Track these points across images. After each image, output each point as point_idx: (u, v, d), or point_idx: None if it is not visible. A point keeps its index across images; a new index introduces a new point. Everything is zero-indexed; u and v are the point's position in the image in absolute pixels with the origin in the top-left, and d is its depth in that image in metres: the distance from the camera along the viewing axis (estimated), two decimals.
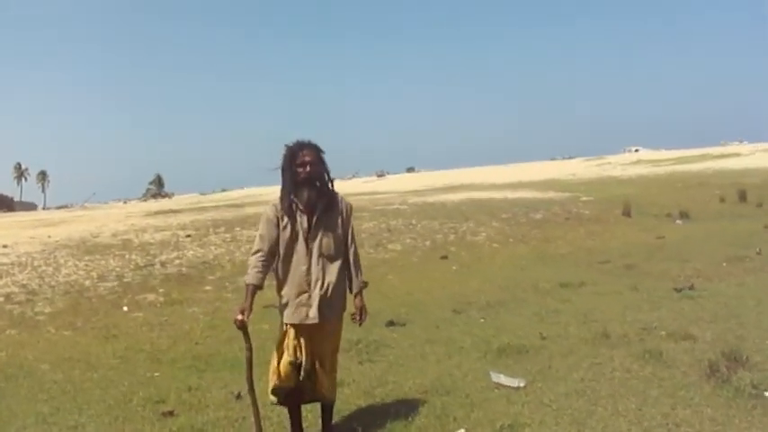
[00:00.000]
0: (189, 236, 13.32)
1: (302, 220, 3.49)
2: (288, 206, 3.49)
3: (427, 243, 11.95)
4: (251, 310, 3.51)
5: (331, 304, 3.54)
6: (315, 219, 3.49)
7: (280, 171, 3.56)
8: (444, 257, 10.41)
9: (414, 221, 14.08)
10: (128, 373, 5.23)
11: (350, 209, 3.70)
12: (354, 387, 4.58)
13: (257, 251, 3.52)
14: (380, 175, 65.57)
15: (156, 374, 5.18)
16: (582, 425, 3.80)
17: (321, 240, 3.50)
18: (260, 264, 3.49)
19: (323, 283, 3.49)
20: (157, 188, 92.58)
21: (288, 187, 3.50)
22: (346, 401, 4.26)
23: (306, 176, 3.46)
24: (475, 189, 25.08)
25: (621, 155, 57.53)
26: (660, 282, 8.08)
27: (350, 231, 3.66)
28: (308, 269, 3.50)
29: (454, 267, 9.84)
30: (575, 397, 4.23)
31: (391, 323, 6.41)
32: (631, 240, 11.88)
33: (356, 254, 3.70)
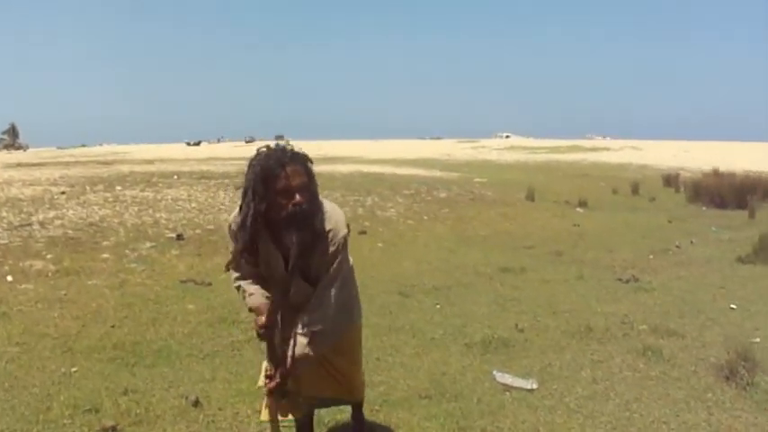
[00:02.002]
0: (63, 193, 12.39)
1: (276, 263, 2.69)
2: (252, 248, 2.64)
3: None
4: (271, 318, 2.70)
5: (323, 340, 2.72)
6: (291, 263, 2.65)
7: (242, 193, 2.61)
8: (363, 233, 10.01)
9: None
10: (35, 368, 4.27)
11: (342, 235, 2.72)
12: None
13: (238, 276, 2.85)
14: (249, 141, 66.30)
15: (74, 370, 4.27)
16: None
17: (297, 288, 2.72)
18: (251, 286, 2.80)
19: (294, 343, 2.66)
20: (11, 139, 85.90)
21: (255, 223, 2.55)
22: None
23: (295, 214, 2.51)
24: (357, 162, 25.03)
25: (493, 139, 60.11)
26: (600, 271, 8.16)
27: (336, 263, 2.70)
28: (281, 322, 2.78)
29: (380, 245, 9.45)
30: (600, 400, 4.03)
31: None
32: (549, 226, 12.10)
33: (332, 291, 2.70)
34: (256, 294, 2.74)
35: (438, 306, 6.19)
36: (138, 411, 3.62)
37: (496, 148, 44.13)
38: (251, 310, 2.75)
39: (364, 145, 45.39)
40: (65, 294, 6.14)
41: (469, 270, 7.87)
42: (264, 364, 2.88)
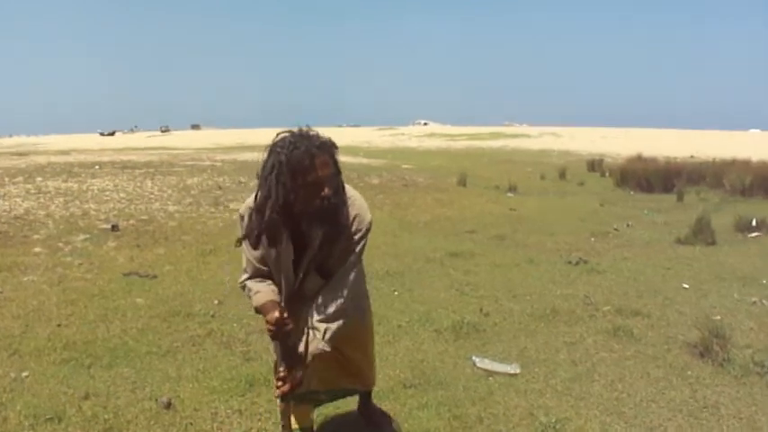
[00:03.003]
0: None
1: (287, 256, 2.55)
2: (273, 237, 2.49)
3: None
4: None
5: (338, 331, 2.60)
6: (309, 256, 2.54)
7: (262, 180, 2.45)
8: None
9: (242, 179, 13.28)
10: None
11: (369, 221, 2.61)
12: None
13: (246, 278, 2.67)
14: (165, 131, 66.84)
15: (25, 374, 3.93)
16: (620, 414, 3.63)
17: (309, 282, 2.62)
18: (257, 284, 2.62)
19: (308, 338, 2.55)
20: None
21: (273, 214, 2.41)
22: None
23: (323, 208, 2.40)
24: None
25: (412, 127, 60.77)
26: (547, 254, 8.31)
27: (358, 249, 2.60)
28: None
29: None
30: (585, 382, 4.10)
31: None
32: (486, 211, 12.26)
33: (348, 285, 2.58)
34: (263, 292, 2.56)
35: (396, 293, 6.13)
36: (105, 417, 3.36)
37: (416, 135, 44.64)
38: (257, 310, 2.56)
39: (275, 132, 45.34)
40: (0, 293, 5.69)
41: (419, 255, 7.84)
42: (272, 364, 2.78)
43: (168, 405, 3.47)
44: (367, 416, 3.32)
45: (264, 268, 2.59)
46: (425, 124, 67.11)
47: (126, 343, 4.49)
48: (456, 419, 3.45)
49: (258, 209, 2.44)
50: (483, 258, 7.91)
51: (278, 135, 2.44)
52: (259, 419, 3.40)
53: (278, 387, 2.51)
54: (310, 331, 2.51)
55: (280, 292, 2.58)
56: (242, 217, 2.57)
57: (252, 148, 27.38)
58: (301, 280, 2.59)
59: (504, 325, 5.19)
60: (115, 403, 3.55)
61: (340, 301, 2.53)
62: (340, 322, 2.53)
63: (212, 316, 5.17)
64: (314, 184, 2.35)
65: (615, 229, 10.63)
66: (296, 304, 2.58)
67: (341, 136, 44.11)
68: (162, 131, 66.64)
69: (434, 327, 5.01)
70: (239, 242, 2.61)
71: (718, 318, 5.40)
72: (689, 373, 4.24)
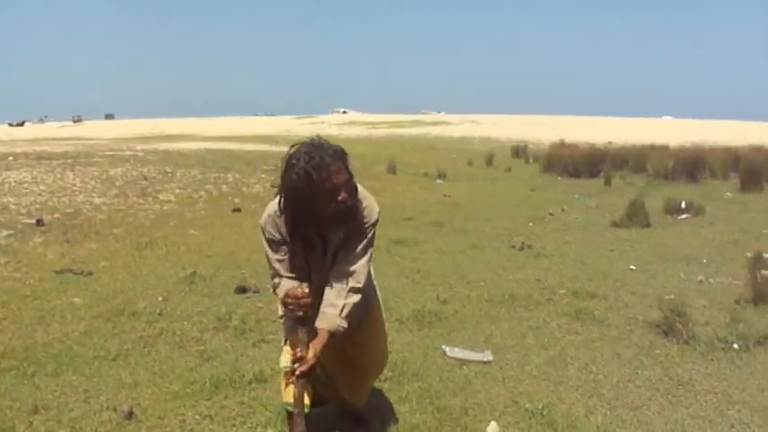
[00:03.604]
0: None
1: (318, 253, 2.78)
2: (309, 243, 2.73)
3: (202, 194, 11.01)
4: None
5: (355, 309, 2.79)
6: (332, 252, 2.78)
7: (284, 193, 2.61)
8: (237, 210, 9.61)
9: (168, 170, 12.85)
10: None
11: (377, 212, 2.82)
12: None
13: (276, 282, 2.80)
14: (77, 121, 66.12)
15: None
16: (601, 396, 3.68)
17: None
18: (285, 281, 2.74)
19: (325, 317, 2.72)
20: None
21: (307, 225, 2.65)
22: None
23: (341, 212, 2.61)
24: (198, 140, 24.25)
25: (331, 115, 60.58)
26: (489, 240, 8.40)
27: (370, 235, 2.80)
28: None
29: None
30: (559, 366, 4.15)
31: (243, 289, 5.55)
32: (420, 198, 12.30)
33: (360, 266, 2.76)
34: (287, 281, 2.71)
35: None
36: None
37: (336, 123, 44.55)
38: (285, 297, 2.65)
39: (198, 122, 44.92)
40: None
41: None
42: (286, 347, 2.78)
43: (130, 415, 3.23)
44: (352, 411, 3.22)
45: (290, 274, 2.73)
46: (344, 112, 67.14)
47: (70, 348, 4.18)
48: (440, 411, 3.39)
49: (293, 227, 2.66)
50: (427, 245, 7.90)
51: (293, 147, 2.63)
52: (233, 424, 3.22)
53: (296, 368, 2.58)
54: (327, 309, 2.68)
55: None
56: (263, 227, 2.73)
57: (170, 137, 26.62)
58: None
59: (464, 312, 5.17)
60: (69, 416, 3.26)
61: (353, 280, 2.71)
62: (356, 297, 2.71)
63: (159, 314, 4.91)
64: (331, 191, 2.55)
65: (550, 214, 10.86)
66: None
67: (257, 126, 43.79)
68: (74, 121, 64.98)
69: (395, 317, 4.92)
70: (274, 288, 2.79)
71: (671, 297, 5.54)
72: (657, 352, 4.34)
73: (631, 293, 5.75)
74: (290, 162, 2.57)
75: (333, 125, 43.11)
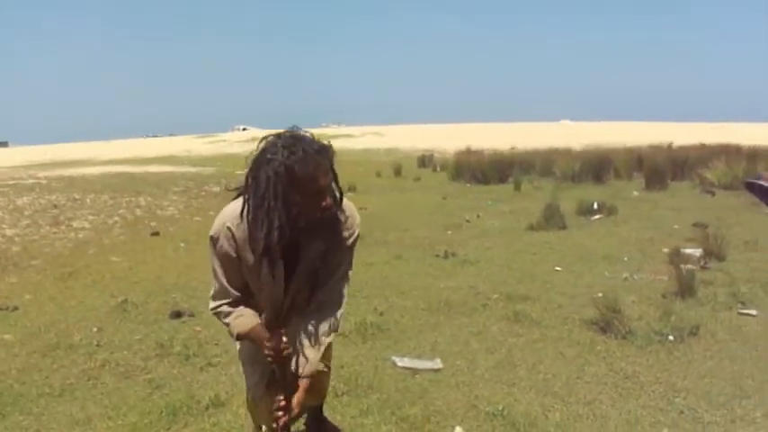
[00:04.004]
0: None
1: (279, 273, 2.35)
2: (273, 259, 2.27)
3: (116, 219, 10.68)
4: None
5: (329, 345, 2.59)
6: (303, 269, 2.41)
7: (258, 197, 2.18)
8: (156, 234, 9.33)
9: (77, 196, 12.40)
10: None
11: (358, 223, 2.51)
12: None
13: (223, 302, 2.43)
14: None
15: None
16: (555, 395, 3.82)
17: (299, 296, 2.46)
18: (236, 308, 2.42)
19: (304, 359, 2.41)
20: None
21: (284, 236, 2.19)
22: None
23: (326, 219, 2.29)
24: (98, 164, 23.41)
25: (232, 133, 59.85)
26: (412, 250, 8.49)
27: (350, 254, 2.54)
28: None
29: (182, 244, 8.81)
30: (508, 368, 4.27)
31: (177, 314, 5.41)
32: None
33: (341, 295, 2.52)
34: (246, 315, 2.36)
35: None
36: None
37: (238, 141, 44.03)
38: (242, 336, 2.36)
39: (95, 146, 43.44)
40: None
41: None
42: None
43: None
44: (319, 430, 3.18)
45: (238, 294, 2.39)
46: (245, 129, 66.52)
47: (11, 387, 3.94)
48: (403, 421, 3.42)
49: (267, 236, 2.18)
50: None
51: (264, 139, 2.21)
52: None
53: (278, 418, 2.31)
54: (306, 350, 2.36)
55: (260, 312, 2.41)
56: (215, 239, 2.32)
57: (70, 163, 25.67)
58: (292, 296, 2.41)
59: (405, 322, 5.22)
60: None
61: (332, 317, 2.44)
62: (332, 337, 2.45)
63: (97, 345, 4.71)
64: (314, 194, 2.16)
65: (467, 221, 11.08)
66: (281, 323, 2.41)
67: (157, 147, 42.74)
68: None
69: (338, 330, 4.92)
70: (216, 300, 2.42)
71: (600, 295, 5.78)
72: (598, 348, 4.52)
73: (561, 294, 5.95)
74: (262, 158, 2.16)
75: (234, 143, 42.63)
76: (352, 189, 16.55)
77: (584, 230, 9.59)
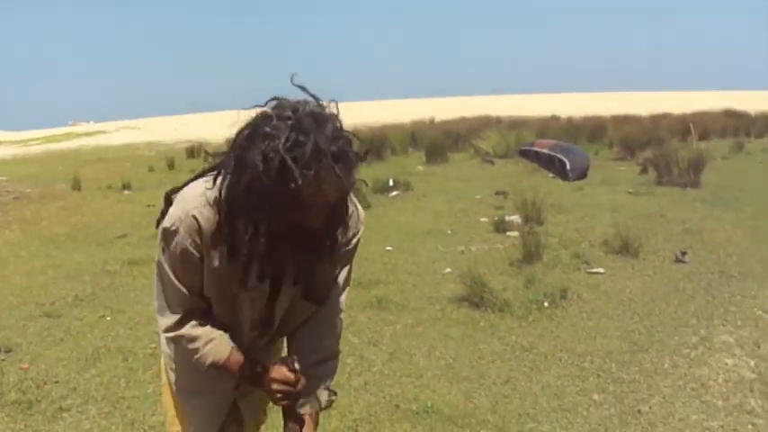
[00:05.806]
0: None
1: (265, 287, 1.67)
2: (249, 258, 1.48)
3: None
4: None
5: None
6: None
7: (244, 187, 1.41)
8: None
9: None
10: None
11: (361, 229, 1.87)
12: None
13: (178, 320, 1.68)
14: None
15: None
16: (467, 379, 3.67)
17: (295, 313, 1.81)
18: (200, 329, 1.67)
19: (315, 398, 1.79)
20: None
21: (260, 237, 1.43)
22: None
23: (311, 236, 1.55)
24: None
25: None
26: None
27: (348, 269, 1.92)
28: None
29: None
30: (404, 359, 4.09)
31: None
32: (126, 211, 11.13)
33: (343, 312, 1.89)
34: (218, 340, 1.67)
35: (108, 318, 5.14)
36: None
37: None
38: (216, 365, 1.66)
39: None
40: None
41: (97, 271, 6.71)
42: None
43: None
44: None
45: (201, 305, 1.68)
46: None
47: None
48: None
49: (241, 233, 1.45)
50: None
51: (263, 113, 1.41)
52: None
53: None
54: (318, 387, 1.74)
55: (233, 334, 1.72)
56: (172, 232, 1.54)
57: None
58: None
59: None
60: None
61: (337, 338, 1.84)
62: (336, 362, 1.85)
63: None
64: (315, 208, 1.41)
65: None
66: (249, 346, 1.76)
67: None
68: None
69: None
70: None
71: (449, 270, 5.70)
72: (482, 324, 4.42)
73: (408, 273, 5.79)
74: (258, 139, 1.36)
75: None
76: (127, 187, 15.31)
77: (390, 207, 9.51)
